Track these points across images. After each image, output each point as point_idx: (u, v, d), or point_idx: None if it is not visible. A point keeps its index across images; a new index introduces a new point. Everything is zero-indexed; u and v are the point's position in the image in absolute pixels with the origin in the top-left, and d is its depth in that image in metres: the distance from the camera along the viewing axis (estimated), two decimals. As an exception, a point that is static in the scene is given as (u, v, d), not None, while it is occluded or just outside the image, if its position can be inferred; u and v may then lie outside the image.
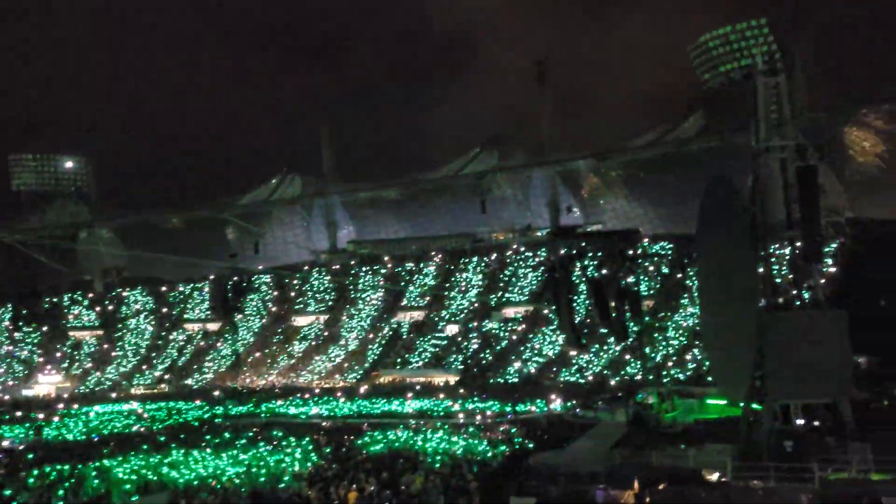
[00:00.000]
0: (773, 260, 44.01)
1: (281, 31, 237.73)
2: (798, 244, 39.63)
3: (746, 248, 37.02)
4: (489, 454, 42.04)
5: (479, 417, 56.70)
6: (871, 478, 30.92)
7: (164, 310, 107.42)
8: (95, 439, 54.74)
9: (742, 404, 38.37)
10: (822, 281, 45.43)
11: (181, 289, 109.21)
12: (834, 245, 73.75)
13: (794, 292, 40.17)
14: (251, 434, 53.05)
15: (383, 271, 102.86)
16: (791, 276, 44.02)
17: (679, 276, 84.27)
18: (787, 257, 48.31)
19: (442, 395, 69.41)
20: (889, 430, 34.85)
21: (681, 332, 77.31)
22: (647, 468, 34.78)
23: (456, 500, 33.09)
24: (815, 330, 35.87)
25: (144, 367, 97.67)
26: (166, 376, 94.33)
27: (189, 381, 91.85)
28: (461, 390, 72.42)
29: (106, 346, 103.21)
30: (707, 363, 58.03)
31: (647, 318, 53.85)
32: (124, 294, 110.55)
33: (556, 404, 60.27)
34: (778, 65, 41.67)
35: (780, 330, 35.66)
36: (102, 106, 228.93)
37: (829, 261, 68.48)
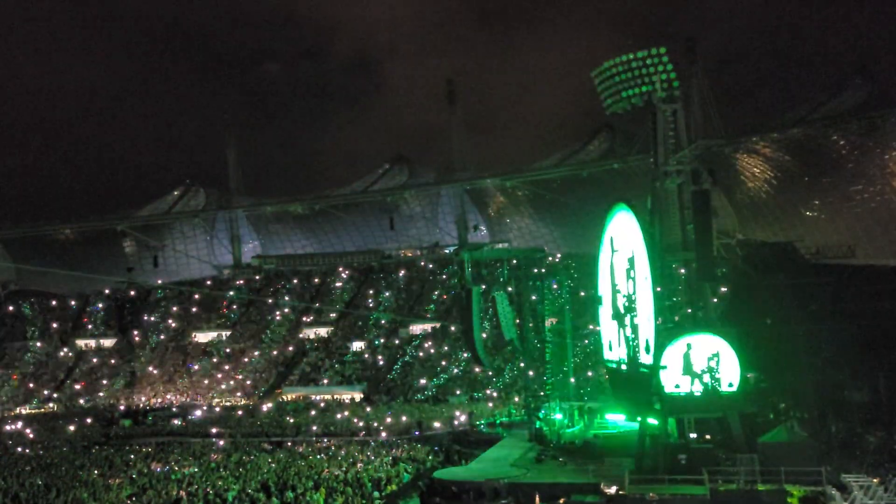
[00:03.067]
0: (669, 279, 45.67)
1: (187, 43, 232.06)
2: (693, 264, 41.41)
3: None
4: (393, 471, 41.87)
5: (383, 434, 56.41)
6: (758, 488, 32.46)
7: (56, 325, 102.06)
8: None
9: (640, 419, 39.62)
10: (715, 300, 47.48)
11: (74, 303, 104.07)
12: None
13: (689, 310, 41.87)
14: (146, 454, 51.12)
15: (289, 287, 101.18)
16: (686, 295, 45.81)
17: (583, 293, 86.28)
18: (683, 277, 50.25)
19: (347, 413, 68.69)
20: (775, 442, 36.67)
21: (583, 348, 79.05)
22: (549, 483, 35.43)
23: (359, 518, 32.78)
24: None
25: (32, 385, 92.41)
26: (55, 395, 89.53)
27: (81, 401, 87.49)
28: (367, 407, 71.91)
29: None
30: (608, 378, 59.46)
31: (551, 335, 55.03)
32: (11, 308, 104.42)
33: (461, 420, 60.59)
34: (676, 93, 43.11)
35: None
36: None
37: (721, 280, 71.57)
